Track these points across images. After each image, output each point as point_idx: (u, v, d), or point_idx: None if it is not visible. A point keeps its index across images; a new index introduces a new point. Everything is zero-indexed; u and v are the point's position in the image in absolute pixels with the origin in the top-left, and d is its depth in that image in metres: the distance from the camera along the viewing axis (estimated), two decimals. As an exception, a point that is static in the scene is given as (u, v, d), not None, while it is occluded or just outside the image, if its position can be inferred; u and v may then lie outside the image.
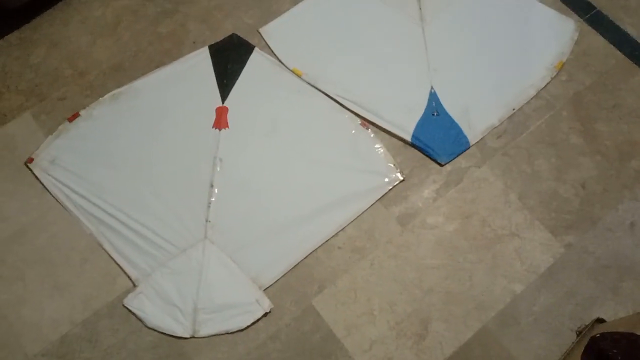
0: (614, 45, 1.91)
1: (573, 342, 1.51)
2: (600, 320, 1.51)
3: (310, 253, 1.60)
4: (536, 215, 1.67)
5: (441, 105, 1.78)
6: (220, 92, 1.77)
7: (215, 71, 1.80)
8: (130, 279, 1.55)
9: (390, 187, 1.68)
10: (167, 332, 1.51)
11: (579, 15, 1.94)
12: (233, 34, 1.87)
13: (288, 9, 1.93)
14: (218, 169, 1.66)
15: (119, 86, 1.78)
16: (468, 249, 1.63)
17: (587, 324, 1.51)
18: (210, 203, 1.62)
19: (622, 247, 1.63)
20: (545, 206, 1.68)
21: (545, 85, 1.83)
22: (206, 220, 1.60)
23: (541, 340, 1.53)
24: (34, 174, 1.66)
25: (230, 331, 1.52)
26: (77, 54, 1.85)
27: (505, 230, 1.65)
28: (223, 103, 1.75)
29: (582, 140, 1.77)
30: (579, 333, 1.52)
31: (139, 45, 1.87)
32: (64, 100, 1.77)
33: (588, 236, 1.65)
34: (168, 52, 1.86)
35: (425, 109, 1.78)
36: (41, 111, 1.75)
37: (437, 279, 1.60)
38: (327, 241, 1.62)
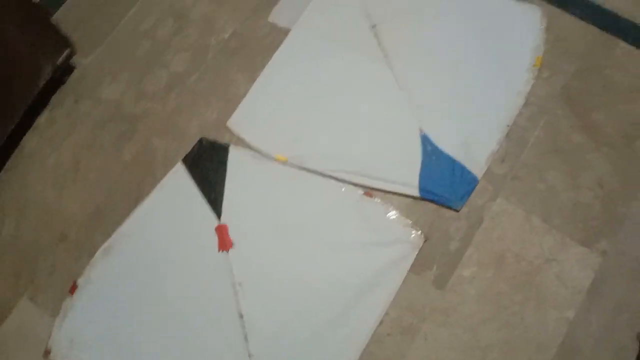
0: (585, 21, 1.82)
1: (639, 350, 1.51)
2: (659, 323, 1.51)
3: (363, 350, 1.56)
4: (565, 232, 1.63)
5: (436, 146, 1.70)
6: (213, 210, 1.66)
7: (199, 188, 1.68)
8: None
9: (417, 252, 1.63)
10: None
11: (541, -1, 1.84)
12: (202, 138, 1.74)
13: (247, 91, 1.79)
14: (240, 295, 1.58)
15: (104, 236, 1.66)
16: (511, 291, 1.60)
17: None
18: (246, 335, 1.55)
19: (657, 238, 1.62)
20: (570, 219, 1.64)
21: (531, 89, 1.76)
22: (249, 355, 1.54)
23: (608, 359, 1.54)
24: (56, 364, 1.57)
25: None
26: (49, 214, 1.71)
27: (541, 259, 1.62)
28: (220, 221, 1.65)
29: (585, 137, 1.71)
30: (642, 340, 1.52)
31: (108, 181, 1.73)
32: (55, 272, 1.65)
33: (620, 237, 1.62)
34: (142, 179, 1.73)
35: (422, 156, 1.70)
36: (37, 292, 1.64)
37: (491, 332, 1.57)
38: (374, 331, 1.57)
